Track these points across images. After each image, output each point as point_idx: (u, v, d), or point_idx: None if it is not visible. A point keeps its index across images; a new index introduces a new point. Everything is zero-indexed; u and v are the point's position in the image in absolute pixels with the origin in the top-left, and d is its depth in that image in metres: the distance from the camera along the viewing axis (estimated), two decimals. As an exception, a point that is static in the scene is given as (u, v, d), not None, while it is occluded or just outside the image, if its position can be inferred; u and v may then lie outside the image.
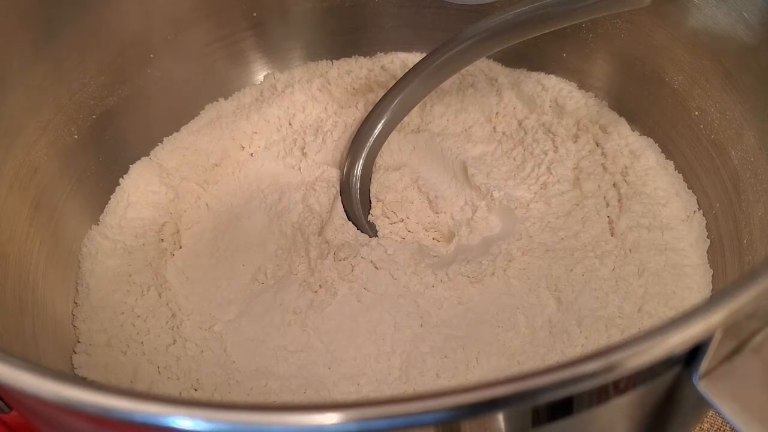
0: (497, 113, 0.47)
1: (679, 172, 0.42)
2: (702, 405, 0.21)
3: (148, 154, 0.46)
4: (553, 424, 0.20)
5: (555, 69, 0.47)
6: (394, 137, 0.46)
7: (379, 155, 0.46)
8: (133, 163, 0.45)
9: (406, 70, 0.44)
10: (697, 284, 0.38)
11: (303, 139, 0.47)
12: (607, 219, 0.41)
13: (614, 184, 0.42)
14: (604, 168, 0.43)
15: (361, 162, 0.45)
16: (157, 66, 0.45)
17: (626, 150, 0.44)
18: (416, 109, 0.46)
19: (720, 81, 0.39)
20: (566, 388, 0.17)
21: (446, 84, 0.47)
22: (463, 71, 0.47)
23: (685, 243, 0.39)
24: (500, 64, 0.49)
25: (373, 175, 0.46)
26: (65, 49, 0.40)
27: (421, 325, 0.38)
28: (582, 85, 0.47)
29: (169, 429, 0.17)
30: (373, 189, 0.45)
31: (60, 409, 0.20)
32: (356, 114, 0.48)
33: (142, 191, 0.44)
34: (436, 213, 0.44)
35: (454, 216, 0.44)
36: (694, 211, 0.41)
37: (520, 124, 0.46)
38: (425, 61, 0.42)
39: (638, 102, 0.45)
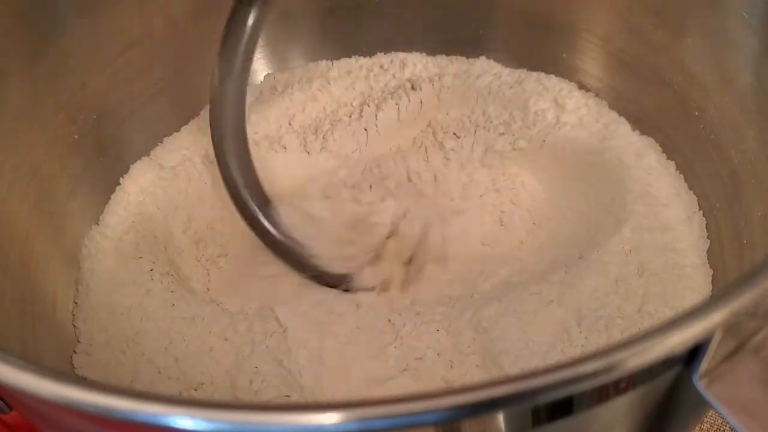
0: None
1: (679, 173, 0.42)
2: (702, 405, 0.21)
3: (148, 154, 0.46)
4: (553, 424, 0.20)
5: (555, 69, 0.47)
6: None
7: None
8: (133, 162, 0.45)
9: (405, 70, 0.45)
10: (697, 284, 0.38)
11: (303, 139, 0.47)
12: (608, 219, 0.41)
13: (615, 185, 0.42)
14: (605, 168, 0.43)
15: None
16: (157, 66, 0.45)
17: (628, 150, 0.44)
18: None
19: (720, 81, 0.39)
20: (566, 388, 0.17)
21: (447, 81, 0.47)
22: (462, 72, 0.48)
23: (685, 243, 0.39)
24: (500, 64, 0.49)
25: None
26: (65, 49, 0.40)
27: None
28: (582, 85, 0.47)
29: (169, 429, 0.17)
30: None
31: (60, 409, 0.20)
32: (356, 114, 0.48)
33: (142, 191, 0.44)
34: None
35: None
36: (695, 212, 0.41)
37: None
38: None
39: (638, 102, 0.44)
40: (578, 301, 0.37)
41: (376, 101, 0.47)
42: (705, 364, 0.19)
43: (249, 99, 0.49)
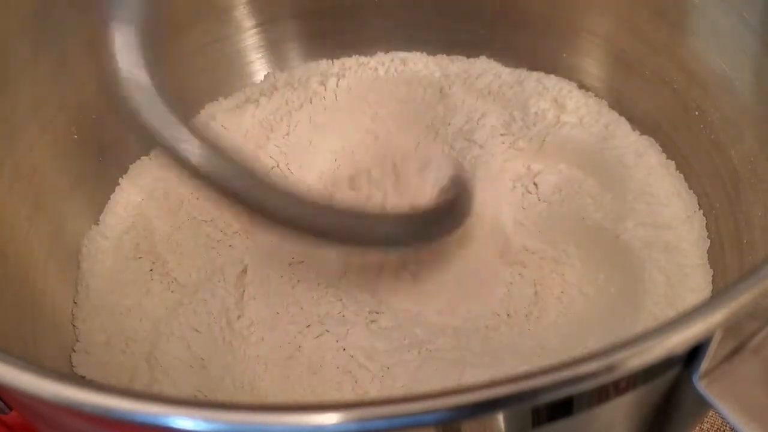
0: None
1: (679, 173, 0.42)
2: (702, 405, 0.21)
3: (148, 154, 0.46)
4: (553, 425, 0.20)
5: (555, 69, 0.47)
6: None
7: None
8: (133, 162, 0.45)
9: (406, 70, 0.44)
10: (697, 284, 0.38)
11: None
12: (608, 219, 0.41)
13: (615, 185, 0.42)
14: (605, 168, 0.43)
15: None
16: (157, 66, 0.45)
17: (628, 150, 0.44)
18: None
19: (720, 81, 0.39)
20: (566, 388, 0.17)
21: (446, 81, 0.47)
22: (462, 72, 0.48)
23: (686, 243, 0.39)
24: (500, 64, 0.49)
25: None
26: (65, 49, 0.40)
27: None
28: (582, 85, 0.47)
29: (169, 429, 0.17)
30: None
31: (60, 409, 0.20)
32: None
33: (142, 191, 0.44)
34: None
35: None
36: (695, 212, 0.41)
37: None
38: None
39: (638, 102, 0.44)
40: (578, 301, 0.37)
41: (376, 101, 0.47)
42: (705, 364, 0.19)
43: (248, 99, 0.49)
